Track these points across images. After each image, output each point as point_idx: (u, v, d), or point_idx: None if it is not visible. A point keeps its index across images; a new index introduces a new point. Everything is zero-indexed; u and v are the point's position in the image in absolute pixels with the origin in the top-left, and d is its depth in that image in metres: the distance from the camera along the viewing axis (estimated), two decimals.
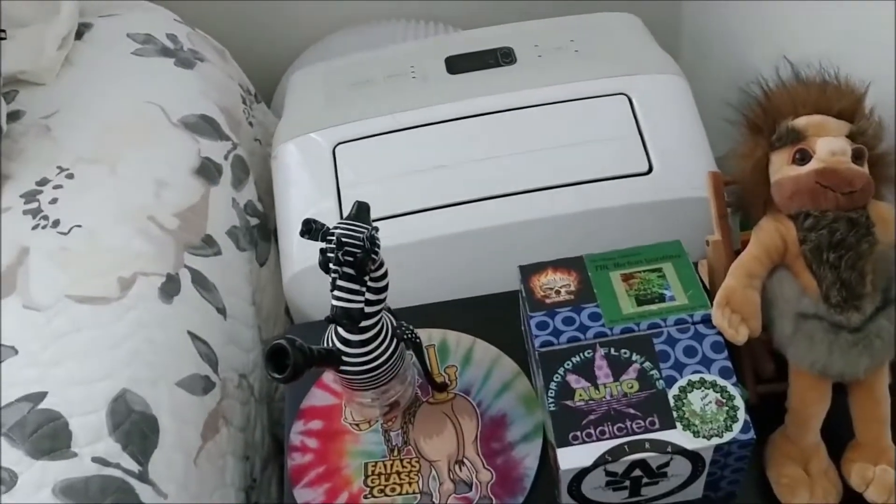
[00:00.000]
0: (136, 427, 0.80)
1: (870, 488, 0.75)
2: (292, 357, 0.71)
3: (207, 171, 1.04)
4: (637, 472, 0.72)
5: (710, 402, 0.72)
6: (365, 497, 0.83)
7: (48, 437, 0.77)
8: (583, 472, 0.71)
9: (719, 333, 0.75)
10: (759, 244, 0.78)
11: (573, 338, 0.77)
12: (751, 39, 1.24)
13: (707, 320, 0.76)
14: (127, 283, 0.89)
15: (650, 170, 0.99)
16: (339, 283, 0.72)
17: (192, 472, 0.84)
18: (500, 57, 1.12)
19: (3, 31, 1.06)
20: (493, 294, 0.95)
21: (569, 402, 0.73)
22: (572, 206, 0.98)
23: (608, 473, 0.71)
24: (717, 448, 0.70)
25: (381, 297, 0.76)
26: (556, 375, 0.74)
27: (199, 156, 1.04)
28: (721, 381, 0.73)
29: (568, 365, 0.75)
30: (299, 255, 1.00)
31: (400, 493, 0.83)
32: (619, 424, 0.71)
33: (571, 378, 0.74)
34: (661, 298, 0.78)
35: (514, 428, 0.86)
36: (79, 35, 1.16)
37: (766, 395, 0.82)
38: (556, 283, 0.81)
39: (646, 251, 0.82)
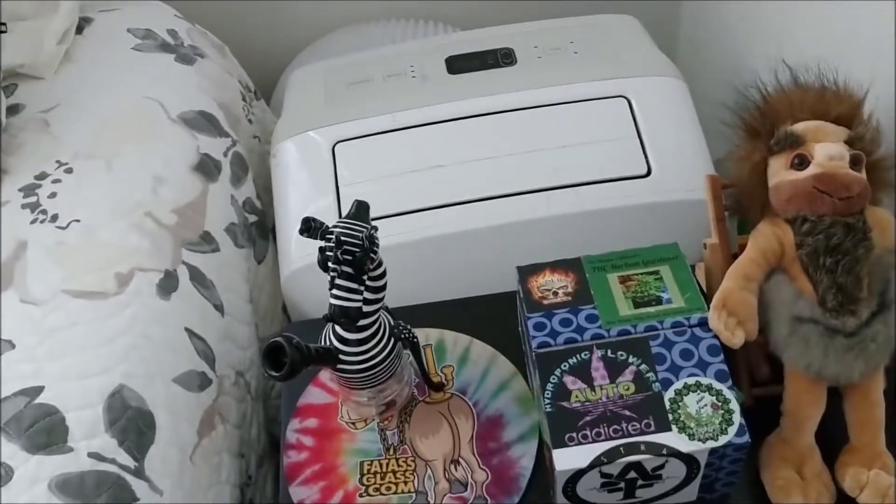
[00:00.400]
0: (132, 423, 0.80)
1: (864, 493, 0.75)
2: (289, 355, 0.71)
3: (206, 167, 1.04)
4: (632, 474, 0.72)
5: (706, 405, 0.72)
6: (360, 496, 0.83)
7: (44, 431, 0.77)
8: (578, 474, 0.71)
9: (716, 337, 0.76)
10: (756, 248, 0.78)
11: (570, 339, 0.77)
12: (749, 41, 1.25)
13: (704, 323, 0.76)
14: (124, 278, 0.89)
15: (649, 172, 1.00)
16: (338, 281, 0.72)
17: (187, 469, 0.84)
18: (501, 57, 1.12)
19: (4, 24, 1.06)
20: (491, 294, 0.95)
21: (565, 404, 0.73)
22: (570, 207, 0.98)
23: (603, 475, 0.72)
24: (712, 451, 0.70)
25: (380, 296, 0.76)
26: (553, 376, 0.75)
27: (198, 152, 1.04)
28: (717, 385, 0.73)
29: (564, 366, 0.75)
30: (297, 253, 1.00)
31: (395, 493, 0.83)
32: (615, 426, 0.71)
33: (568, 379, 0.74)
34: (658, 301, 0.78)
35: (510, 428, 0.86)
36: (79, 29, 1.15)
37: (762, 397, 0.82)
38: (554, 285, 0.81)
39: (643, 253, 0.82)
